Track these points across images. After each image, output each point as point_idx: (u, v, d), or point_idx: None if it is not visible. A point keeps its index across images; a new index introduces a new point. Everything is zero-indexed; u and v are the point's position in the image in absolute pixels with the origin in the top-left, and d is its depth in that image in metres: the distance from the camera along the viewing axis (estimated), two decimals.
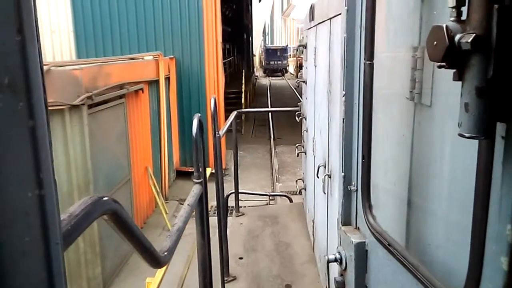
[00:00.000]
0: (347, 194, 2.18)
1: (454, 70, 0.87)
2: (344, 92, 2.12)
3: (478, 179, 0.97)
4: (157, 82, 10.85)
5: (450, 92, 1.20)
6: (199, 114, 2.77)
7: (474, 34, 0.81)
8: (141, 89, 9.49)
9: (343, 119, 2.13)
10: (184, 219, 2.19)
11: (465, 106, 0.84)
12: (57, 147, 6.56)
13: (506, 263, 0.93)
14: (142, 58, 10.55)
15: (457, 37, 0.84)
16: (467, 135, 0.86)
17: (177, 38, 12.10)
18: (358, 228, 2.09)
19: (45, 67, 6.54)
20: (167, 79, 11.72)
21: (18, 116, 0.56)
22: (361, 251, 1.94)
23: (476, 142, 1.02)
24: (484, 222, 0.96)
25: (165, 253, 1.82)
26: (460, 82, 0.90)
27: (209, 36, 12.02)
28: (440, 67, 0.89)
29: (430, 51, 0.89)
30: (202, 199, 2.63)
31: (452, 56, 0.84)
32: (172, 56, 12.01)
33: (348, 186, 2.17)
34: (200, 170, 2.66)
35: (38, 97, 0.60)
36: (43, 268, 0.64)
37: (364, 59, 1.66)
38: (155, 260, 1.66)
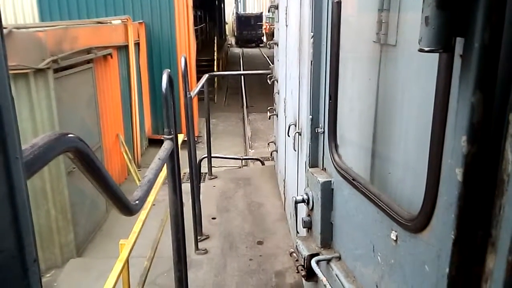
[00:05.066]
0: (314, 137, 2.21)
1: None
2: (312, 34, 2.10)
3: (437, 94, 1.00)
4: (126, 47, 10.55)
5: (414, 28, 1.22)
6: (169, 70, 2.71)
7: None
8: (110, 54, 9.24)
9: (311, 61, 2.12)
10: (155, 172, 2.18)
11: (425, 20, 0.86)
12: (22, 112, 6.38)
13: (461, 174, 0.97)
14: (110, 22, 10.20)
15: None
16: (426, 48, 0.88)
17: (146, 1, 11.72)
18: (325, 169, 2.14)
19: (5, 30, 6.28)
20: (137, 44, 11.41)
21: None
22: (327, 190, 1.99)
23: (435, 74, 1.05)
24: (441, 137, 1.00)
25: (136, 202, 1.82)
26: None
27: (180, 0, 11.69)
28: None
29: None
30: (173, 155, 2.61)
31: None
32: (141, 21, 11.65)
33: (316, 129, 2.20)
34: (171, 126, 2.64)
35: None
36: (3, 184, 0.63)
37: None
38: (125, 207, 1.65)
